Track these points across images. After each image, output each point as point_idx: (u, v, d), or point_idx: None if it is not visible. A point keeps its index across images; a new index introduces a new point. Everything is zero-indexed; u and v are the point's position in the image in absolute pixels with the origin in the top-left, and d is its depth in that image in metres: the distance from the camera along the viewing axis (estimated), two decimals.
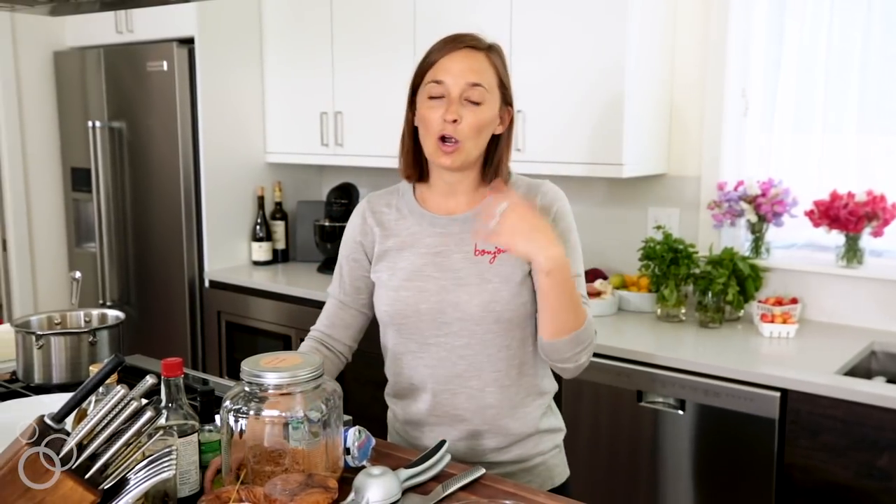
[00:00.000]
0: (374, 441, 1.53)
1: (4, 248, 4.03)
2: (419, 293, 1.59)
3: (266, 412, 1.39)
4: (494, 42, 1.61)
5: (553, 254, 1.42)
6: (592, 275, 2.97)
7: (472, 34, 1.58)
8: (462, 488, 1.44)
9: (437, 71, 1.54)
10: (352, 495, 1.34)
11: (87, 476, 1.15)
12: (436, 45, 1.58)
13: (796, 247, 2.90)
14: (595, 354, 1.72)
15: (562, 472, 1.72)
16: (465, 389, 1.60)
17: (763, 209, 2.78)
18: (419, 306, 1.59)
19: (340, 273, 1.74)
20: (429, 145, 1.56)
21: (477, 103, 1.52)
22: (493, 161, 1.61)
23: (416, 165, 1.64)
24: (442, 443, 1.53)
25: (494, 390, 1.60)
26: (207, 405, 1.70)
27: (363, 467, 1.45)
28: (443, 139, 1.53)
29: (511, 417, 1.61)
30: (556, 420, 1.72)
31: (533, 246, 1.42)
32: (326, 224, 3.61)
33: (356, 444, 1.50)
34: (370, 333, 3.08)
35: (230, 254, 3.75)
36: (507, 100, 1.60)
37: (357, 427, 1.52)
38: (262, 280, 3.51)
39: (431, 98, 1.54)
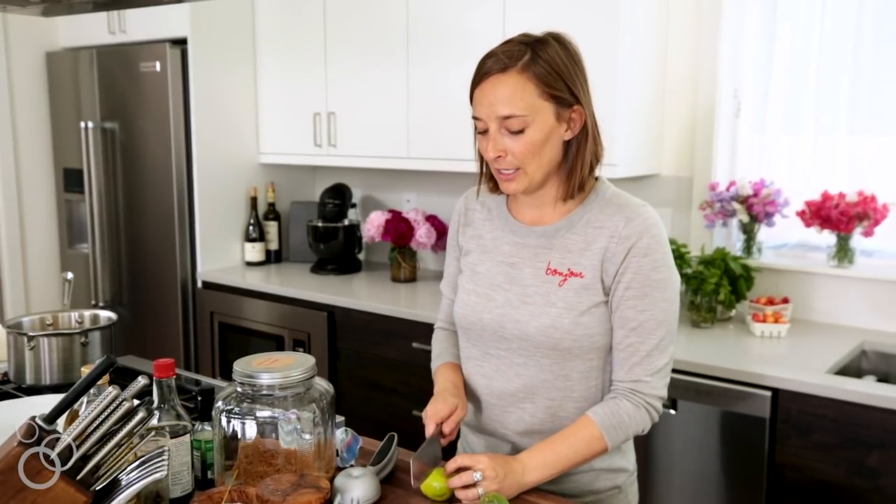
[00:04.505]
0: (360, 441, 1.54)
1: None
2: (486, 302, 1.54)
3: (258, 413, 1.39)
4: (539, 38, 1.45)
5: (523, 487, 1.41)
6: None
7: (500, 51, 1.43)
8: None
9: (474, 106, 1.46)
10: (338, 497, 1.34)
11: (78, 477, 1.15)
12: (474, 72, 1.46)
13: (788, 247, 2.92)
14: None
15: None
16: (517, 410, 1.53)
17: (755, 209, 2.79)
18: (483, 315, 1.54)
19: (448, 271, 1.71)
20: (495, 174, 1.51)
21: (518, 131, 1.42)
22: (571, 169, 1.48)
23: (493, 180, 1.55)
24: (392, 436, 1.54)
25: (546, 418, 1.52)
26: (206, 403, 1.70)
27: (352, 466, 1.46)
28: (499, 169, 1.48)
29: None
30: (621, 460, 1.60)
31: (507, 495, 1.36)
32: (320, 225, 3.61)
33: (343, 443, 1.50)
34: (365, 335, 3.09)
35: (223, 254, 3.74)
36: (566, 102, 1.43)
37: (343, 427, 1.53)
38: (254, 281, 3.51)
39: (479, 133, 1.48)
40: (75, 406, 1.28)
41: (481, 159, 1.55)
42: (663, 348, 1.47)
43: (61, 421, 1.24)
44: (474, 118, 1.47)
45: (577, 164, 1.47)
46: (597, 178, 1.54)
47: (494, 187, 1.56)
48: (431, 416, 1.48)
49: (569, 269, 1.48)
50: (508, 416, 1.55)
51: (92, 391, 1.29)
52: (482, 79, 1.44)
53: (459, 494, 1.35)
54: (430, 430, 1.45)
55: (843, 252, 2.71)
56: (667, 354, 1.48)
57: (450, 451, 1.53)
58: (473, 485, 1.34)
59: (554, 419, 1.52)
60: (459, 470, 1.37)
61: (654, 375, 1.47)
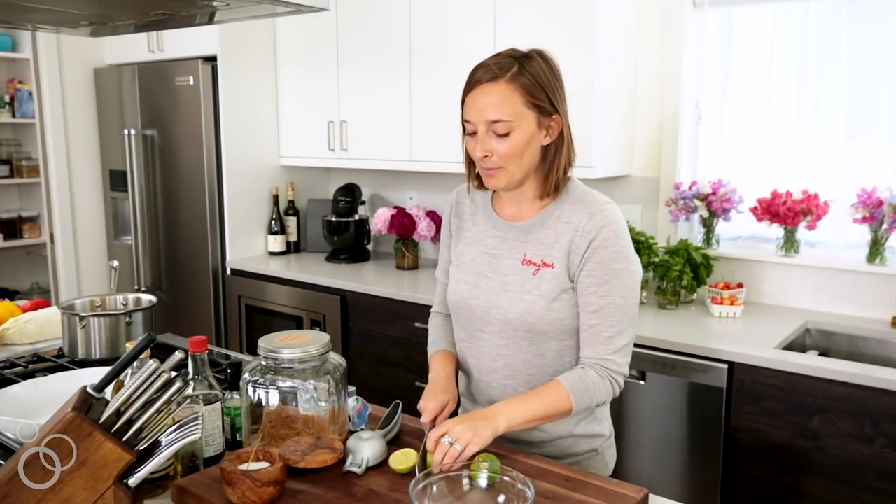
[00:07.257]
0: (370, 408, 1.54)
1: (52, 241, 4.02)
2: (473, 289, 1.53)
3: (280, 383, 1.40)
4: (526, 54, 1.42)
5: (497, 430, 1.33)
6: None
7: (491, 63, 1.41)
8: None
9: (465, 110, 1.44)
10: (350, 457, 1.34)
11: (124, 438, 1.15)
12: (466, 79, 1.44)
13: (742, 238, 2.91)
14: None
15: (599, 473, 1.58)
16: (500, 386, 1.53)
17: (713, 206, 2.79)
18: (470, 301, 1.53)
19: (442, 258, 1.67)
20: (480, 171, 1.48)
21: (504, 134, 1.40)
22: (548, 171, 1.47)
23: (479, 178, 1.52)
24: (397, 404, 1.54)
25: (527, 391, 1.49)
26: (235, 375, 1.70)
27: (362, 430, 1.46)
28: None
29: None
30: (598, 426, 1.58)
31: (484, 439, 1.30)
32: (333, 219, 3.60)
33: (354, 410, 1.50)
34: (373, 316, 3.09)
35: (249, 245, 3.74)
36: (547, 111, 1.42)
37: (355, 396, 1.53)
38: (276, 268, 3.51)
39: (468, 134, 1.46)
40: (121, 377, 1.28)
41: (468, 158, 1.52)
42: (622, 330, 1.44)
43: (109, 389, 1.24)
44: (465, 121, 1.45)
45: (553, 167, 1.46)
46: (568, 178, 1.53)
47: (480, 185, 1.55)
48: (425, 413, 1.44)
49: (542, 261, 1.47)
50: (494, 389, 1.54)
51: (135, 364, 1.29)
52: (474, 86, 1.41)
53: (444, 463, 1.26)
54: (426, 425, 1.43)
55: (789, 243, 2.71)
56: (626, 336, 1.45)
57: None
58: (453, 450, 1.27)
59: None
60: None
61: (616, 354, 1.44)
